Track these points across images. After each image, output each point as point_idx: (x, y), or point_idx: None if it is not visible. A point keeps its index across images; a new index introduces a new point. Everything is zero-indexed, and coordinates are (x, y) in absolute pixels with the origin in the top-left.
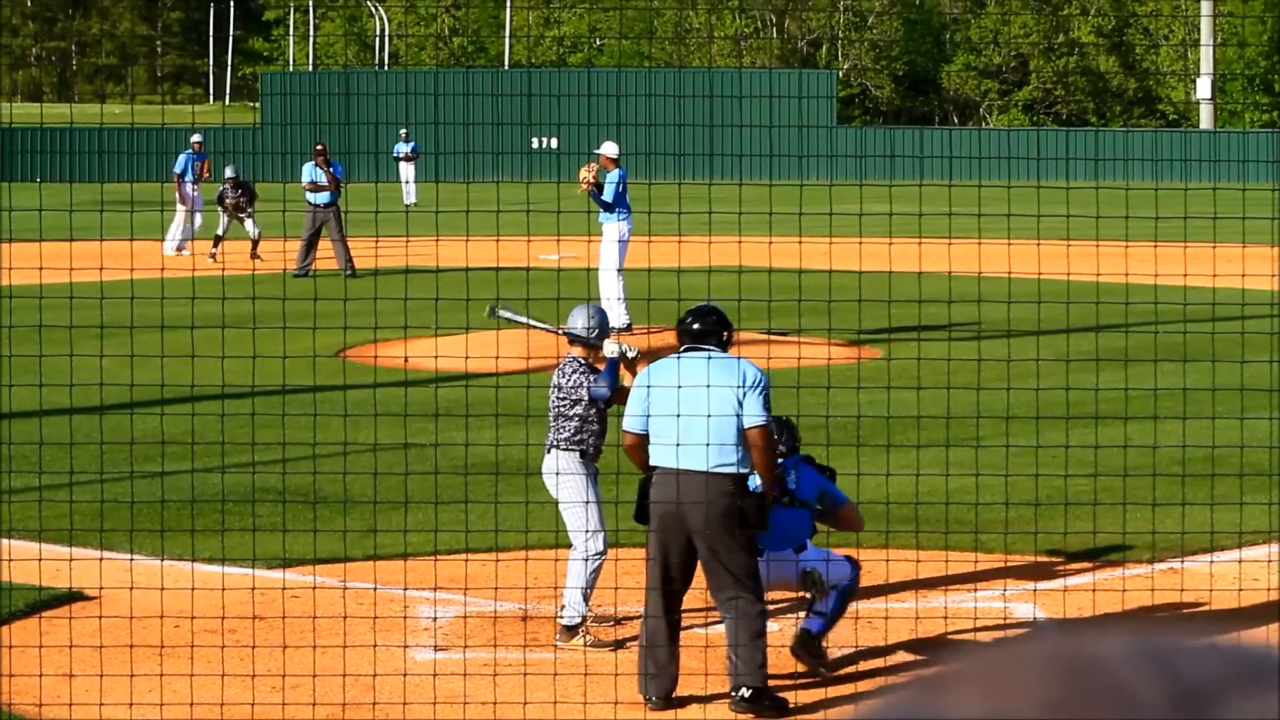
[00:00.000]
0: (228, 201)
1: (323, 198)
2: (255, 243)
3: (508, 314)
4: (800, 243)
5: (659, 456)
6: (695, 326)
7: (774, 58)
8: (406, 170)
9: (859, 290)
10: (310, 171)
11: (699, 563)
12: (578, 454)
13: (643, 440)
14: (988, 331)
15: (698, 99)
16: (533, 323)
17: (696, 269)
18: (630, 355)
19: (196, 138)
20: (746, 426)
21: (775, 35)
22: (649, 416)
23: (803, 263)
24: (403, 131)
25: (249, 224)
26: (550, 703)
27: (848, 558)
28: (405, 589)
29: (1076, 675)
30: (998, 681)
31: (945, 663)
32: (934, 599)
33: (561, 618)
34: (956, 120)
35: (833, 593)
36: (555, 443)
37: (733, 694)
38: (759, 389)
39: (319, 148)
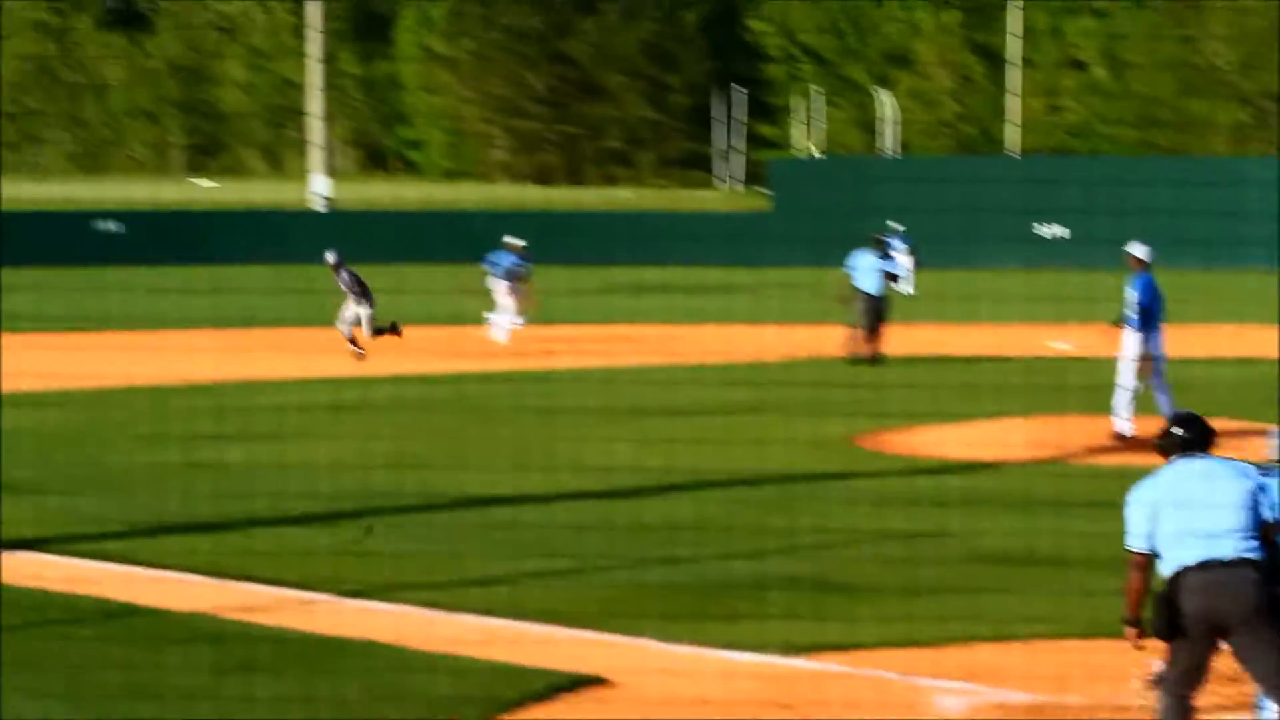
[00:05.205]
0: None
1: (876, 286)
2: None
3: None
4: None
5: (1182, 558)
6: (1185, 435)
7: None
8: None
9: None
10: (864, 259)
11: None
12: None
13: (1149, 560)
14: None
15: (1201, 186)
16: None
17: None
18: None
19: (516, 240)
20: (1267, 520)
21: None
22: (1157, 527)
23: None
24: (900, 228)
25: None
26: None
27: None
28: (910, 675)
29: None
30: None
31: None
32: None
33: None
34: None
35: None
36: None
37: None
38: (1266, 485)
39: (880, 237)
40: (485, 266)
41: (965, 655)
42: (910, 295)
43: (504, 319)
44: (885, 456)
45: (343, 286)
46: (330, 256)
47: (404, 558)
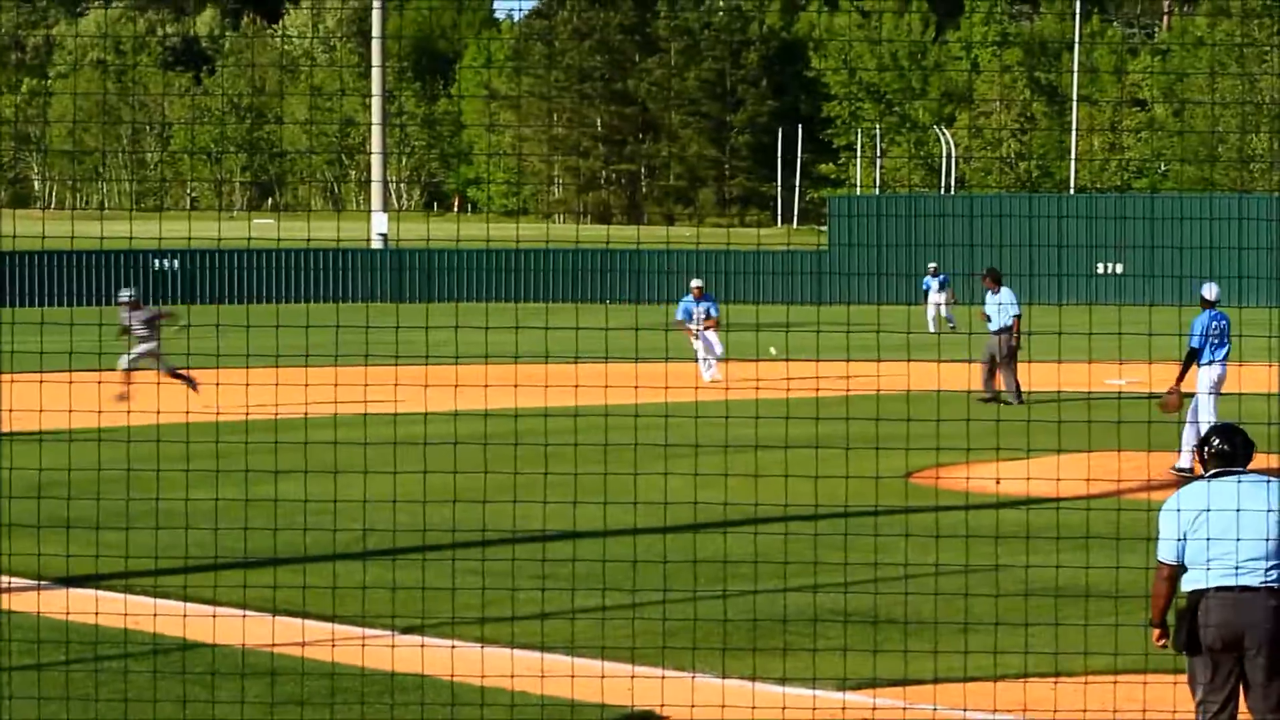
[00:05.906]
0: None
1: (996, 324)
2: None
3: None
4: None
5: (1206, 578)
6: (1226, 448)
7: None
8: (937, 299)
9: None
10: (990, 297)
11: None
12: None
13: (1176, 571)
14: None
15: (1260, 223)
16: None
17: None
18: None
19: (696, 282)
20: None
21: None
22: (1187, 542)
23: None
24: (931, 266)
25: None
26: None
27: None
28: (965, 710)
29: None
30: None
31: None
32: None
33: None
34: None
35: None
36: None
37: None
38: None
39: (989, 274)
40: (680, 315)
41: (1020, 690)
42: (957, 333)
43: (708, 359)
44: (942, 492)
45: (130, 323)
46: (125, 294)
47: (459, 593)
